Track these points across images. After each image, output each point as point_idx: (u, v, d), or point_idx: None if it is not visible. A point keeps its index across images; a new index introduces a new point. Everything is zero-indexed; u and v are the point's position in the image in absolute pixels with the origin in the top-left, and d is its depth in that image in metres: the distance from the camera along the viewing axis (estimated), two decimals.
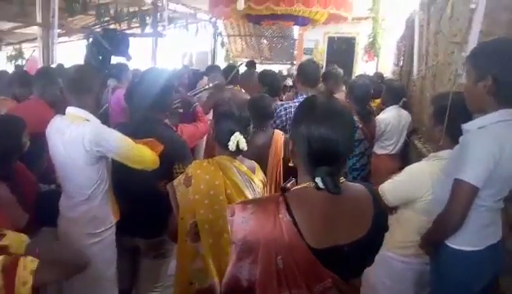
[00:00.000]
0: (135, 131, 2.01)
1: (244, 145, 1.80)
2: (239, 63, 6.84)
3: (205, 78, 5.39)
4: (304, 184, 1.11)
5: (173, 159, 2.06)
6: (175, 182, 1.82)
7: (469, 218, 1.57)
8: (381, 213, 1.16)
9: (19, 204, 1.94)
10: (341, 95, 4.02)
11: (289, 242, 1.03)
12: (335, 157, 1.06)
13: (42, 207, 2.05)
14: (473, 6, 2.04)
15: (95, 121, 1.94)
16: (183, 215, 1.79)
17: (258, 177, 1.92)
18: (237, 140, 1.77)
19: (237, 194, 1.78)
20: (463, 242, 1.61)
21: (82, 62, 2.97)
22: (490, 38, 1.88)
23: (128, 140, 1.90)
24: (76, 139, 1.83)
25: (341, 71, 4.33)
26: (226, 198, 1.75)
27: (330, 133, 1.03)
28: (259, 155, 2.39)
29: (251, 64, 6.87)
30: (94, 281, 1.95)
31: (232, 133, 1.78)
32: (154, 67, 2.42)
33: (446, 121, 1.76)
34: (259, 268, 1.07)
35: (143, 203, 1.98)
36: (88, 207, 1.94)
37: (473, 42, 2.07)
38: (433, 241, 1.72)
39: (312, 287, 1.06)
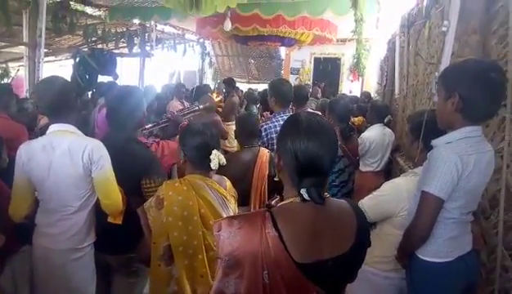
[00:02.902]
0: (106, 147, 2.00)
1: (224, 161, 1.79)
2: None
3: (174, 99, 5.49)
4: (290, 200, 1.14)
5: (141, 174, 2.04)
6: (146, 205, 1.77)
7: (437, 230, 1.62)
8: (364, 229, 1.18)
9: None
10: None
11: (275, 257, 1.05)
12: (320, 169, 1.10)
13: (21, 226, 2.00)
14: (444, 29, 2.15)
15: (82, 135, 1.96)
16: (156, 239, 1.74)
17: (230, 193, 1.91)
18: (218, 156, 1.77)
19: (211, 213, 1.76)
20: (432, 253, 1.65)
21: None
22: (460, 59, 1.97)
23: (113, 175, 1.92)
24: (75, 150, 1.84)
25: (306, 89, 4.44)
26: (200, 217, 1.73)
27: (314, 146, 1.08)
28: (244, 171, 2.44)
29: (229, 83, 6.90)
30: None
31: (209, 151, 1.77)
32: (122, 86, 2.40)
33: (422, 137, 1.83)
34: (245, 283, 1.07)
35: None
36: (73, 221, 1.91)
37: (445, 63, 2.16)
38: (405, 253, 1.75)
39: None
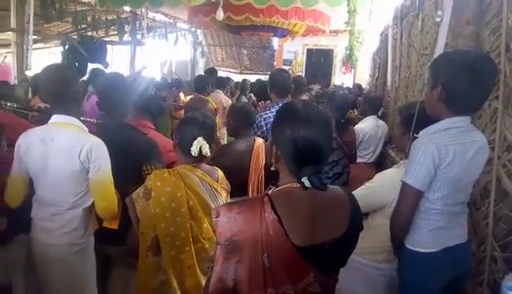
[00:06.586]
0: (104, 136, 1.95)
1: (207, 151, 1.76)
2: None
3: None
4: (288, 185, 1.16)
5: (140, 161, 2.03)
6: (134, 195, 1.74)
7: (421, 220, 1.63)
8: (357, 213, 1.22)
9: None
10: None
11: (275, 240, 1.08)
12: (319, 156, 1.12)
13: (17, 214, 1.94)
14: (438, 19, 2.14)
15: (87, 130, 1.92)
16: (144, 229, 1.71)
17: (222, 185, 1.88)
18: (200, 144, 1.73)
19: (200, 205, 1.74)
20: (418, 243, 1.65)
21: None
22: (451, 49, 1.96)
23: (111, 177, 1.87)
24: (73, 145, 1.79)
25: (304, 79, 4.47)
26: (189, 209, 1.71)
27: (313, 133, 1.09)
28: (240, 162, 2.42)
29: (210, 72, 6.84)
30: (77, 291, 1.91)
31: (195, 138, 1.74)
32: (110, 73, 2.37)
33: (414, 129, 1.82)
34: (246, 267, 1.09)
35: None
36: (69, 217, 1.86)
37: (438, 54, 2.15)
38: (392, 243, 1.76)
39: (296, 284, 1.10)
